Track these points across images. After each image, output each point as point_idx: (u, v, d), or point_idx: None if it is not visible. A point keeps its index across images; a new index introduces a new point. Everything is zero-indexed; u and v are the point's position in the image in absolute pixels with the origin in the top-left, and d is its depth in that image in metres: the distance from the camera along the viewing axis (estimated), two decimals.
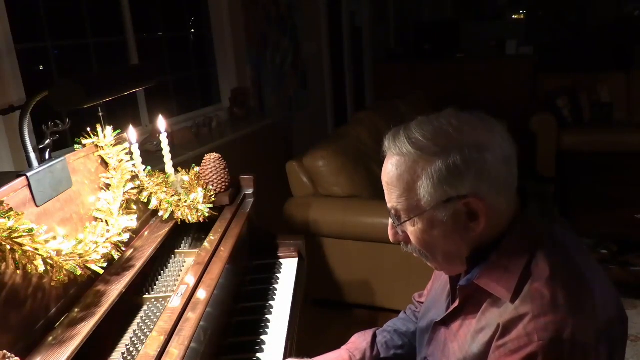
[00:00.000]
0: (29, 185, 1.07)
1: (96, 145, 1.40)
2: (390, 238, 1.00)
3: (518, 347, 0.81)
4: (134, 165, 1.47)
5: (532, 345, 0.80)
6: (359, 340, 1.28)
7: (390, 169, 0.91)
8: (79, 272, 1.03)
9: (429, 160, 0.86)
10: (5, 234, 0.91)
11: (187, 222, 1.52)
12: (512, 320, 0.83)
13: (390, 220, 0.98)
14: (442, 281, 1.12)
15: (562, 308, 0.81)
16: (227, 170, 1.74)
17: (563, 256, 0.87)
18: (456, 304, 0.97)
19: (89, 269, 1.07)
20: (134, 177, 1.45)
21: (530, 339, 0.80)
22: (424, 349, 1.10)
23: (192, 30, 3.85)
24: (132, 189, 1.41)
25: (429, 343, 1.08)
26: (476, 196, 0.86)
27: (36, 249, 0.95)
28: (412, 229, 0.93)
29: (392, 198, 0.93)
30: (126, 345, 1.11)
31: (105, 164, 1.41)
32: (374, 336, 1.28)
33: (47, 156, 1.30)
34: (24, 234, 0.93)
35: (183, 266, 1.45)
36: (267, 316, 1.51)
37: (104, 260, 1.12)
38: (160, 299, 1.29)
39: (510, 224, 0.90)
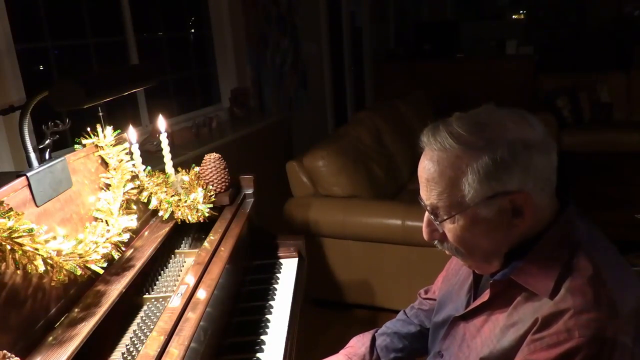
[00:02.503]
0: (29, 185, 1.07)
1: (96, 145, 1.40)
2: (425, 236, 0.96)
3: (557, 341, 0.80)
4: (134, 165, 1.47)
5: (572, 341, 0.79)
6: (358, 345, 1.27)
7: (431, 165, 0.88)
8: (79, 272, 1.03)
9: (474, 155, 0.84)
10: (5, 234, 0.91)
11: (187, 222, 1.52)
12: (552, 314, 0.82)
13: (426, 218, 0.95)
14: (461, 276, 1.10)
15: (604, 307, 0.80)
16: (227, 170, 1.74)
17: (605, 255, 0.87)
18: (485, 298, 0.95)
19: (89, 269, 1.07)
20: (134, 177, 1.45)
21: (571, 334, 0.79)
22: (437, 344, 1.09)
23: (192, 30, 3.85)
24: (132, 189, 1.41)
25: (444, 338, 1.06)
26: (523, 192, 0.84)
27: (36, 249, 0.95)
28: (451, 227, 0.90)
29: (431, 195, 0.89)
30: (126, 345, 1.11)
31: (105, 164, 1.41)
32: (373, 339, 1.27)
33: (47, 156, 1.30)
34: (24, 234, 0.93)
35: (183, 266, 1.45)
36: (267, 316, 1.51)
37: (104, 260, 1.12)
38: (160, 299, 1.29)
39: (551, 221, 0.89)
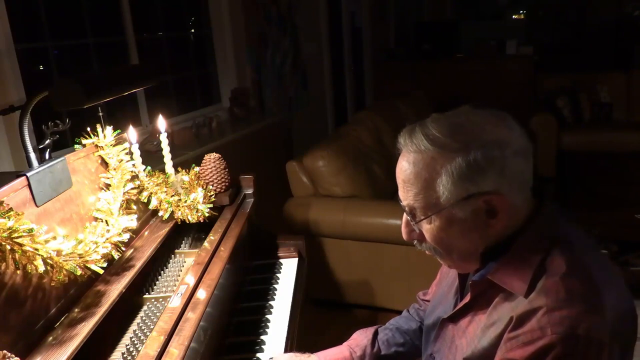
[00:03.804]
0: (29, 185, 1.07)
1: (96, 145, 1.40)
2: (404, 236, 0.99)
3: (531, 339, 0.81)
4: (134, 165, 1.47)
5: (546, 338, 0.79)
6: (360, 337, 1.28)
7: (407, 167, 0.90)
8: (79, 272, 1.03)
9: (449, 157, 0.85)
10: (5, 234, 0.91)
11: (187, 222, 1.52)
12: (526, 312, 0.83)
13: (404, 219, 0.97)
14: (450, 278, 1.12)
15: (577, 304, 0.80)
16: (227, 170, 1.74)
17: (579, 253, 0.87)
18: (467, 299, 0.96)
19: (89, 269, 1.07)
20: (134, 177, 1.45)
21: (544, 332, 0.80)
22: (430, 346, 1.10)
23: (192, 30, 3.85)
24: (132, 189, 1.41)
25: (435, 340, 1.07)
26: (497, 193, 0.85)
27: (36, 249, 0.95)
28: (428, 227, 0.92)
29: (408, 196, 0.91)
30: (126, 345, 1.11)
31: (105, 164, 1.41)
32: (375, 333, 1.28)
33: (47, 156, 1.30)
34: (24, 234, 0.93)
35: (183, 266, 1.45)
36: (267, 316, 1.51)
37: (104, 260, 1.12)
38: (160, 299, 1.29)
39: (526, 221, 0.90)
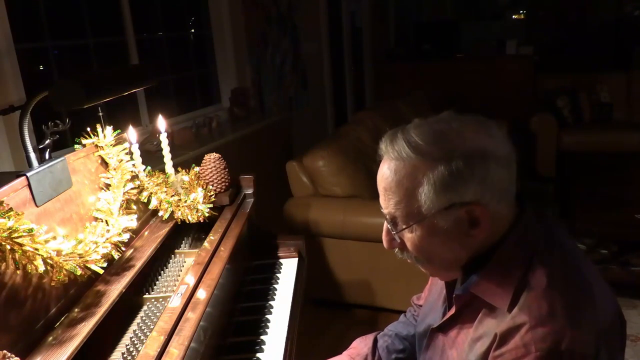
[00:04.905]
0: (29, 185, 1.07)
1: (96, 145, 1.40)
2: (385, 245, 0.96)
3: (516, 357, 0.80)
4: (134, 165, 1.47)
5: (530, 356, 0.79)
6: (360, 345, 1.28)
7: (388, 174, 0.88)
8: (79, 272, 1.03)
9: (431, 166, 0.83)
10: (5, 234, 0.91)
11: (187, 222, 1.52)
12: (509, 330, 0.82)
13: (385, 227, 0.94)
14: (438, 286, 1.10)
15: (559, 318, 0.79)
16: (227, 170, 1.74)
17: (562, 263, 0.86)
18: (452, 311, 0.96)
19: (89, 269, 1.07)
20: (134, 177, 1.45)
21: (528, 349, 0.79)
22: (421, 354, 1.10)
23: (192, 30, 3.85)
24: (132, 189, 1.41)
25: (426, 348, 1.07)
26: (479, 203, 0.84)
27: (36, 249, 0.95)
28: (409, 236, 0.90)
29: (389, 204, 0.89)
30: (126, 345, 1.11)
31: (105, 164, 1.41)
32: (375, 341, 1.28)
33: (47, 156, 1.30)
34: (24, 234, 0.93)
35: (183, 266, 1.45)
36: (267, 316, 1.51)
37: (104, 260, 1.12)
38: (160, 299, 1.29)
39: (508, 230, 0.88)
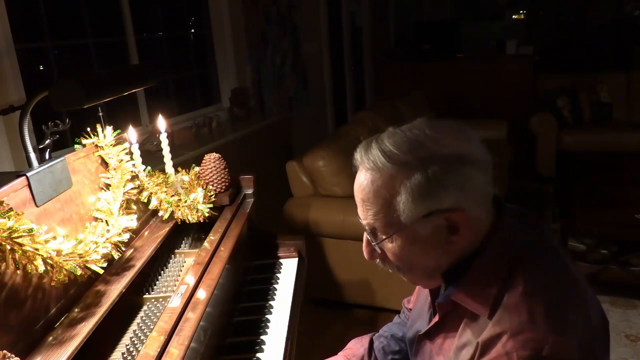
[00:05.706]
0: (29, 185, 1.07)
1: (96, 145, 1.40)
2: (366, 256, 0.94)
3: None
4: (134, 165, 1.47)
5: None
6: (356, 346, 1.28)
7: (365, 185, 0.86)
8: (79, 272, 1.03)
9: (407, 174, 0.82)
10: (5, 234, 0.91)
11: (187, 222, 1.52)
12: (490, 339, 0.80)
13: (365, 238, 0.93)
14: (424, 292, 1.09)
15: (540, 324, 0.78)
16: (227, 170, 1.74)
17: (545, 266, 0.85)
18: (436, 319, 0.95)
19: (89, 269, 1.07)
20: (134, 177, 1.45)
21: (510, 357, 0.77)
22: (412, 358, 1.09)
23: (192, 30, 3.85)
24: (132, 189, 1.41)
25: (415, 354, 1.06)
26: (458, 209, 0.83)
27: (36, 249, 0.95)
28: (390, 246, 0.89)
29: (367, 215, 0.88)
30: (126, 345, 1.11)
31: (105, 164, 1.41)
32: (371, 342, 1.27)
33: (47, 156, 1.30)
34: (24, 234, 0.93)
35: (183, 266, 1.45)
36: (267, 316, 1.51)
37: (104, 260, 1.12)
38: (160, 299, 1.29)
39: (488, 235, 0.87)
